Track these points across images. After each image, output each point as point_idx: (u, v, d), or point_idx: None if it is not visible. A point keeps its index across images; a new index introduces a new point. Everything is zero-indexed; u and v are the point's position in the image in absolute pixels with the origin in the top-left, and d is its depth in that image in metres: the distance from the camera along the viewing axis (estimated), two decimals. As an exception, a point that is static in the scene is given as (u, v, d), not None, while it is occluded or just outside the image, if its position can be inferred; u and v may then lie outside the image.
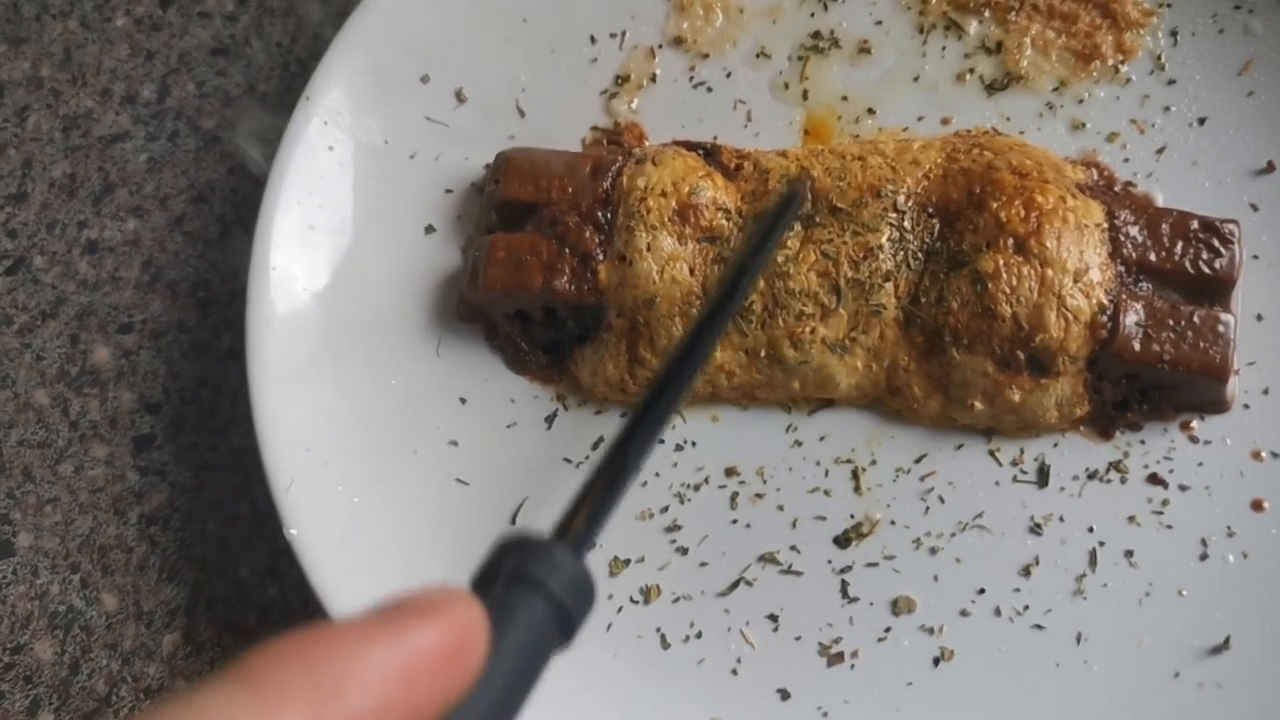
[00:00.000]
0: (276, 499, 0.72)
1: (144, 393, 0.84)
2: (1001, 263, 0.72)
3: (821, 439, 0.75)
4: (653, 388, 0.62)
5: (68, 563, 0.80)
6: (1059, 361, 0.71)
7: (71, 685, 0.77)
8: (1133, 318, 0.71)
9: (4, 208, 0.89)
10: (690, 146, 0.80)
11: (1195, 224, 0.73)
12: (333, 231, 0.80)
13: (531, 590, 0.45)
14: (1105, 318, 0.71)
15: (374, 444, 0.76)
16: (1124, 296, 0.71)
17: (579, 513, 0.55)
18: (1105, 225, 0.73)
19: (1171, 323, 0.71)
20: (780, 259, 0.74)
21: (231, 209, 0.88)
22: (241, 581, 0.79)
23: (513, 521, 0.75)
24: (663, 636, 0.72)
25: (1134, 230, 0.73)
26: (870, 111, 0.82)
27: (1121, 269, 0.73)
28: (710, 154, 0.79)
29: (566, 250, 0.76)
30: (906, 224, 0.75)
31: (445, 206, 0.82)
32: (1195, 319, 0.71)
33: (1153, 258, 0.73)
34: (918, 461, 0.74)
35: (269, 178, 0.79)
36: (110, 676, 0.77)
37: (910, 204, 0.75)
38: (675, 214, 0.75)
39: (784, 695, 0.70)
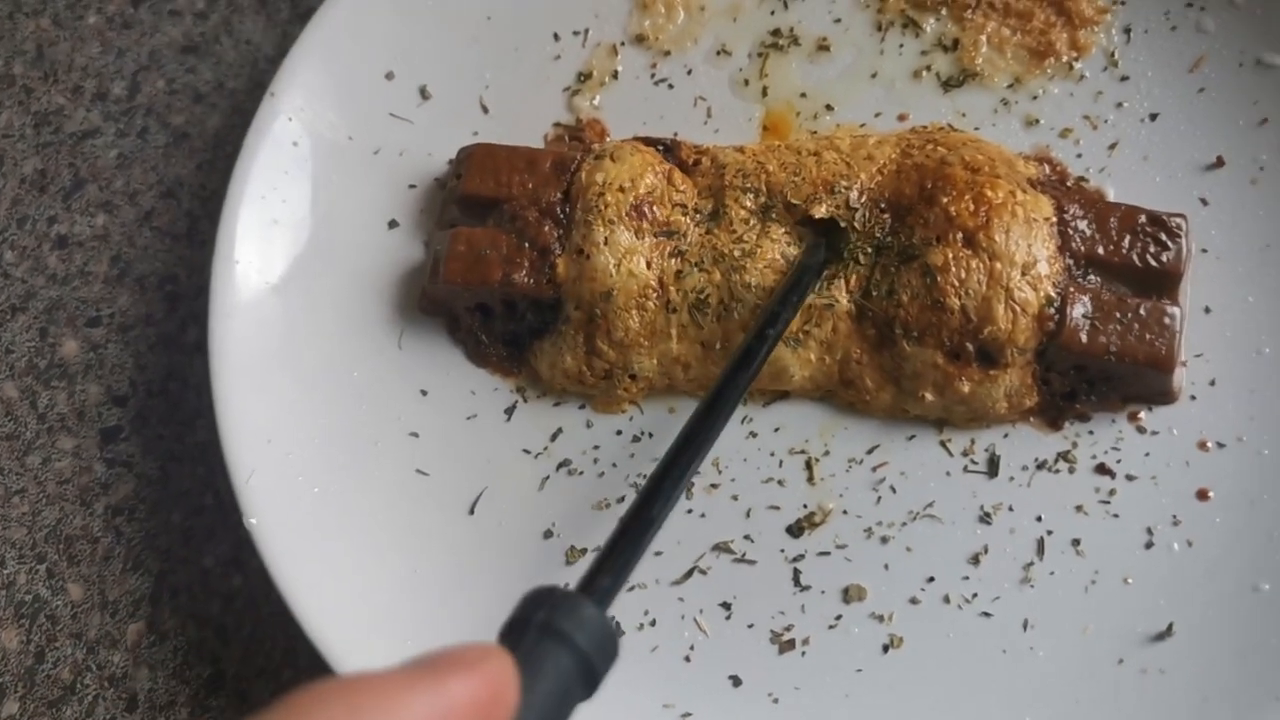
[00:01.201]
0: (237, 489, 0.73)
1: (111, 385, 0.85)
2: (950, 256, 0.73)
3: (776, 430, 0.76)
4: (677, 442, 0.65)
5: (34, 553, 0.81)
6: (1007, 353, 0.72)
7: (37, 674, 0.78)
8: (1080, 310, 0.72)
9: (-25, 203, 0.90)
10: (650, 142, 0.81)
11: (1143, 218, 0.74)
12: (296, 226, 0.81)
13: (559, 644, 0.48)
14: (1053, 310, 0.72)
15: (335, 435, 0.77)
16: (1072, 289, 0.73)
17: (604, 567, 0.57)
18: (1054, 219, 0.74)
19: (1118, 314, 0.72)
20: (737, 253, 0.75)
21: (200, 204, 0.89)
22: (206, 571, 0.80)
23: (471, 512, 0.76)
24: (617, 624, 0.73)
25: (1083, 224, 0.74)
26: (828, 108, 0.83)
27: (1070, 262, 0.74)
28: (669, 149, 0.80)
29: (526, 244, 0.77)
30: (858, 220, 0.76)
31: (408, 201, 0.83)
32: (1141, 311, 0.72)
33: (1101, 251, 0.74)
34: (870, 452, 0.75)
35: (232, 173, 0.80)
36: (75, 665, 0.78)
37: (863, 199, 0.76)
38: (632, 209, 0.76)
39: (735, 682, 0.71)
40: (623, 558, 0.58)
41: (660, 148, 0.80)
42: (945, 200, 0.74)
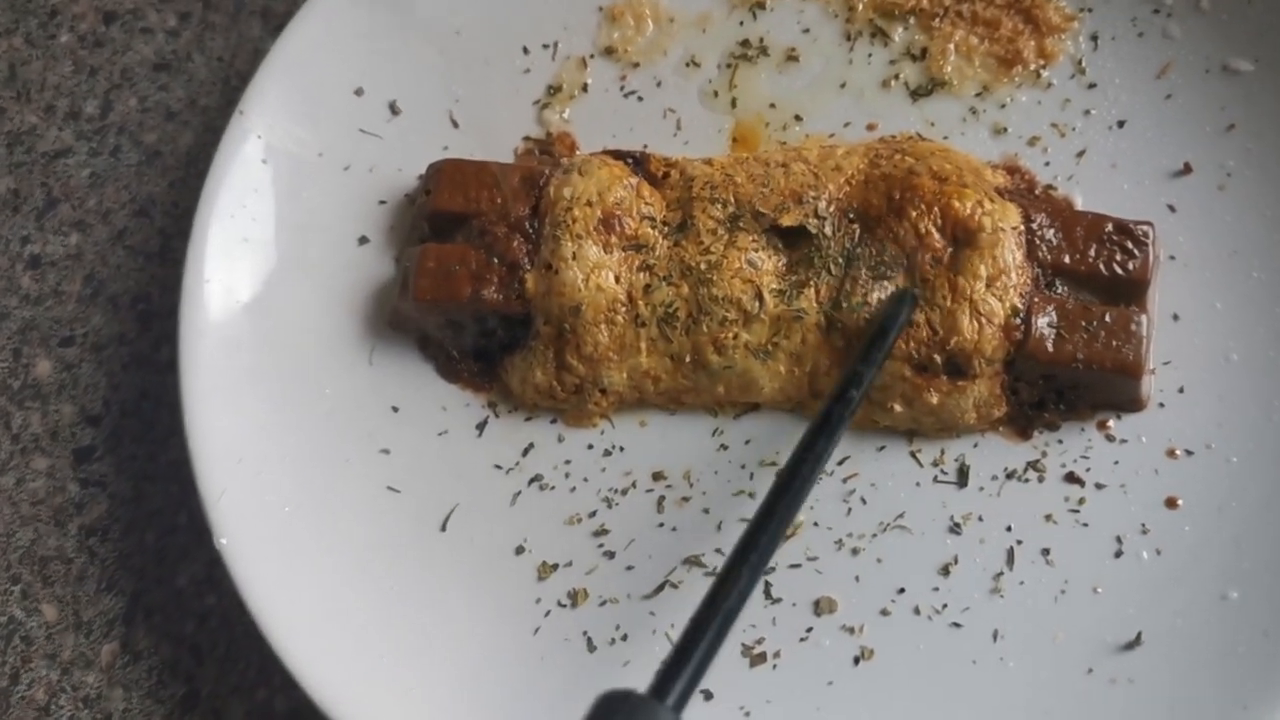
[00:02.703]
0: (207, 509, 0.73)
1: (85, 405, 0.85)
2: (919, 269, 0.73)
3: (747, 442, 0.76)
4: (756, 520, 0.64)
5: (9, 574, 0.81)
6: (975, 364, 0.72)
7: (12, 695, 0.78)
8: (1046, 319, 0.72)
9: (-52, 224, 0.90)
10: (619, 155, 0.81)
11: (1110, 226, 0.74)
12: (267, 244, 0.81)
13: None
14: (1019, 320, 0.72)
15: (306, 453, 0.77)
16: (1038, 299, 0.73)
17: (679, 665, 0.58)
18: (1022, 229, 0.74)
19: (1084, 323, 0.72)
20: (703, 265, 0.75)
21: (173, 222, 0.89)
22: (179, 591, 0.80)
23: (443, 529, 0.76)
24: (589, 639, 0.73)
25: (1050, 233, 0.74)
26: (797, 118, 0.83)
27: (1037, 271, 0.74)
28: (639, 162, 0.80)
29: (495, 260, 0.77)
30: (828, 229, 0.76)
31: (379, 218, 0.83)
32: (1108, 319, 0.72)
33: (1067, 260, 0.74)
34: (840, 463, 0.75)
35: (202, 191, 0.80)
36: (50, 686, 0.78)
37: (831, 209, 0.76)
38: (600, 223, 0.76)
39: (707, 696, 0.71)
40: (698, 654, 0.58)
41: (629, 161, 0.80)
42: (914, 214, 0.74)
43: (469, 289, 0.77)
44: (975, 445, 0.75)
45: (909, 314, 0.73)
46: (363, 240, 0.82)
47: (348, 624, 0.72)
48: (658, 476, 0.76)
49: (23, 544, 0.82)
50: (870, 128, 0.83)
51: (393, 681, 0.71)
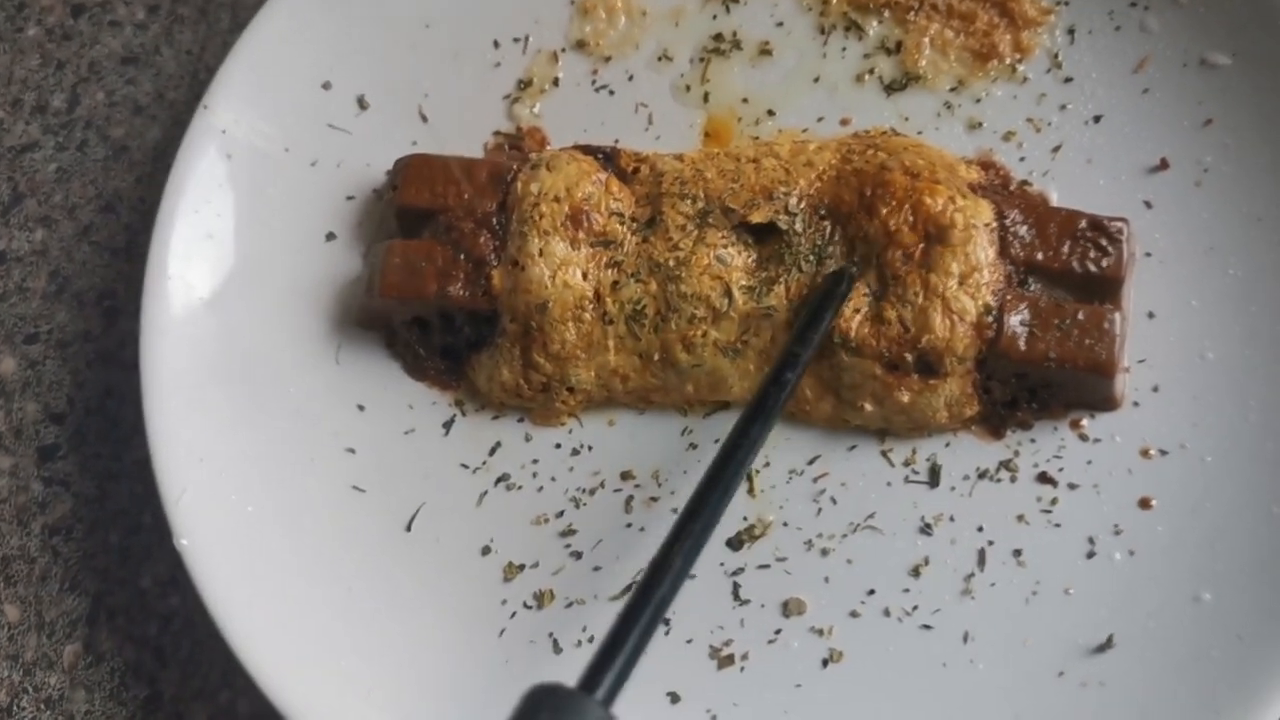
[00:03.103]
0: (167, 509, 0.73)
1: (49, 403, 0.84)
2: (890, 267, 0.72)
3: (716, 441, 0.74)
4: (685, 512, 0.63)
5: (-29, 575, 0.80)
6: (946, 362, 0.71)
7: (-27, 697, 0.77)
8: (1018, 317, 0.71)
9: (-88, 219, 0.89)
10: (589, 150, 0.79)
11: (1084, 223, 0.73)
12: (231, 240, 0.80)
13: None
14: (991, 318, 0.71)
15: (270, 452, 0.76)
16: (1010, 296, 0.72)
17: (608, 659, 0.57)
18: (994, 225, 0.73)
19: (1057, 321, 0.71)
20: (672, 262, 0.74)
21: (139, 218, 0.88)
22: (143, 592, 0.79)
23: (408, 529, 0.75)
24: (555, 641, 0.72)
25: (1023, 230, 0.73)
26: (770, 113, 0.82)
27: (1010, 268, 0.73)
28: (609, 158, 0.79)
29: (461, 256, 0.76)
30: (798, 226, 0.75)
31: (347, 213, 0.82)
32: (1080, 316, 0.71)
33: (1040, 257, 0.73)
34: (811, 463, 0.74)
35: (166, 186, 0.79)
36: (11, 687, 0.77)
37: (802, 205, 0.75)
38: (568, 219, 0.75)
39: (674, 699, 0.70)
40: (629, 646, 0.57)
41: (599, 156, 0.79)
42: (884, 211, 0.73)
43: (435, 286, 0.76)
44: (947, 445, 0.74)
45: (846, 292, 0.72)
46: (330, 236, 0.81)
47: (310, 626, 0.72)
48: (626, 476, 0.75)
49: (-15, 544, 0.81)
50: (844, 122, 0.81)
51: (355, 684, 0.70)
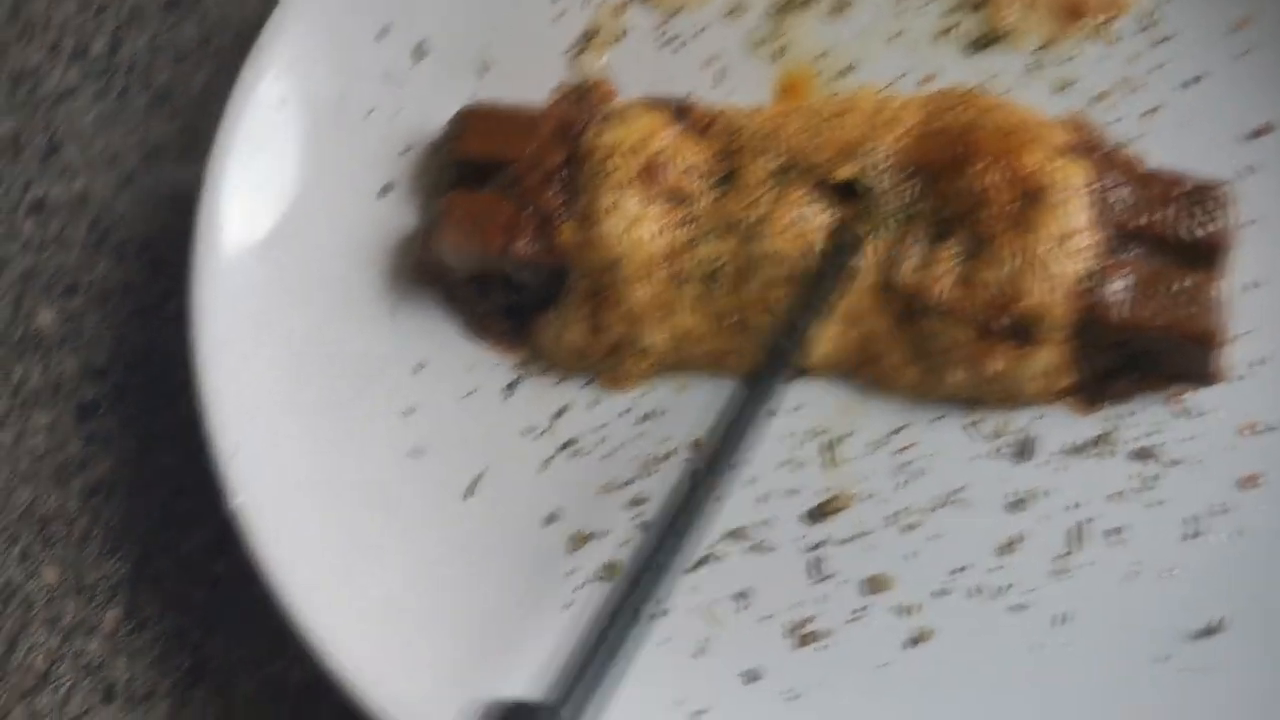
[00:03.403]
0: (221, 466, 0.69)
1: (88, 358, 0.80)
2: (984, 227, 0.69)
3: (795, 408, 0.72)
4: (669, 507, 0.59)
5: (6, 534, 0.76)
6: (1042, 329, 0.68)
7: (9, 662, 0.74)
8: (1119, 284, 0.68)
9: (-54, 166, 0.86)
10: (661, 104, 0.76)
11: (1186, 187, 0.70)
12: (284, 191, 0.76)
13: None
14: (1090, 284, 0.67)
15: (324, 410, 0.72)
16: (1109, 262, 0.68)
17: (582, 669, 0.53)
18: (1091, 189, 0.69)
19: (1159, 288, 0.68)
20: (751, 220, 0.71)
21: (183, 168, 0.84)
22: (187, 556, 0.75)
23: (468, 494, 0.71)
24: (625, 615, 0.68)
25: (1122, 194, 0.70)
26: (849, 69, 0.78)
27: (1109, 233, 0.69)
28: (681, 112, 0.76)
29: (527, 211, 0.73)
30: (884, 184, 0.71)
31: (403, 166, 0.78)
32: (1184, 284, 0.68)
33: (1141, 222, 0.69)
34: (895, 433, 0.71)
35: (217, 132, 0.75)
36: (50, 653, 0.74)
37: (888, 164, 0.71)
38: (641, 173, 0.72)
39: (751, 677, 0.67)
40: (602, 655, 0.53)
41: (671, 110, 0.75)
42: (977, 168, 0.69)
43: (500, 241, 0.72)
44: (1040, 417, 0.70)
45: (850, 257, 0.69)
46: (385, 190, 0.78)
47: (367, 591, 0.68)
48: (699, 444, 0.72)
49: (22, 503, 0.77)
50: (926, 80, 0.78)
51: (414, 652, 0.67)
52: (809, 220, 0.71)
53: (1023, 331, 0.68)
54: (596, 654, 0.54)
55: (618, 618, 0.55)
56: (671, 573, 0.58)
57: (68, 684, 0.73)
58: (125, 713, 0.72)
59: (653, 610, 0.57)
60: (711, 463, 0.62)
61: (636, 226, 0.71)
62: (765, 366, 0.65)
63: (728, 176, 0.72)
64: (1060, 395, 0.70)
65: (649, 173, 0.72)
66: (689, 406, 0.73)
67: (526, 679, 0.66)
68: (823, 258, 0.69)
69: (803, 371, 0.72)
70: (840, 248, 0.69)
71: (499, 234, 0.72)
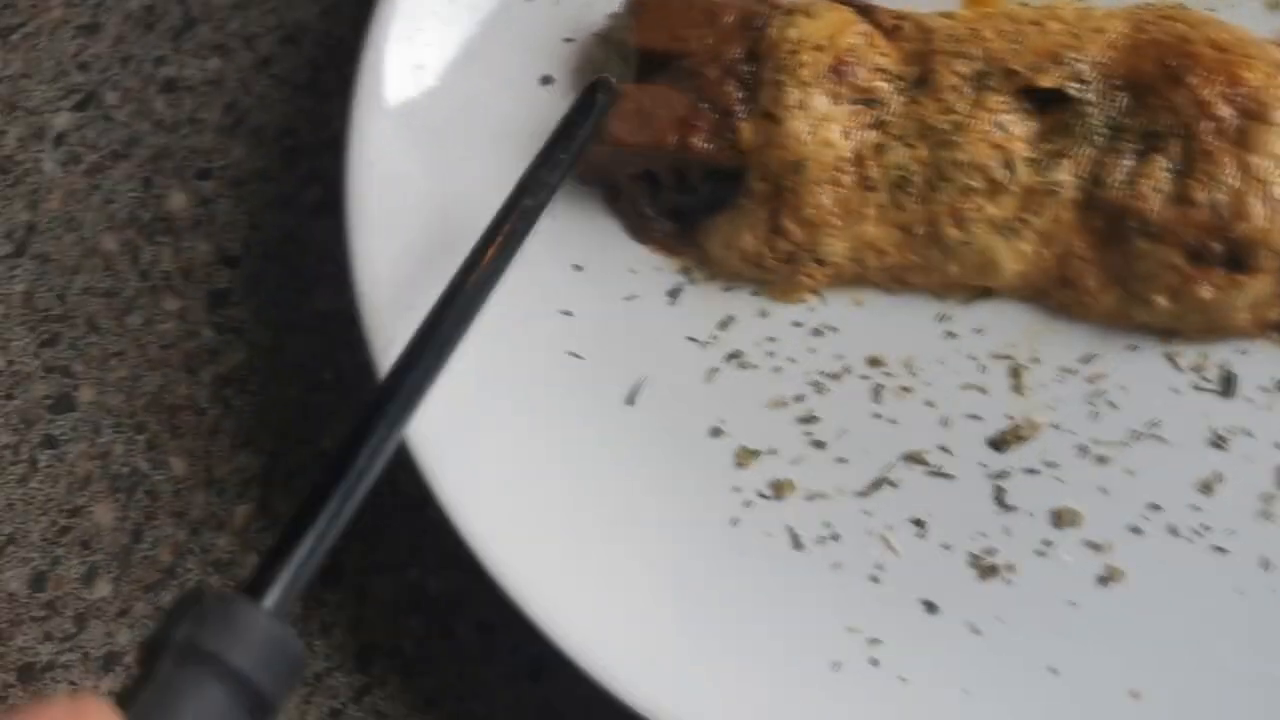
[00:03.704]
0: (375, 361, 0.65)
1: (221, 244, 0.76)
2: (1200, 145, 0.64)
3: (978, 331, 0.68)
4: (401, 357, 0.53)
5: (133, 422, 0.73)
6: (1260, 256, 0.63)
7: (133, 554, 0.71)
8: (1348, 210, 0.63)
9: (76, 39, 0.82)
10: (842, 2, 0.71)
11: None
12: (441, 74, 0.72)
13: (205, 670, 0.38)
14: (1316, 209, 0.63)
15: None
16: (1339, 186, 0.63)
17: (281, 554, 0.44)
18: (1317, 109, 0.65)
19: (1391, 217, 0.63)
20: (945, 126, 0.66)
21: (324, 53, 0.80)
22: (323, 453, 0.72)
23: (630, 402, 0.67)
24: (795, 536, 0.64)
25: (1347, 117, 0.65)
26: (1043, -24, 0.73)
27: (1332, 158, 0.64)
28: (865, 11, 0.71)
29: (705, 106, 0.68)
30: (1091, 95, 0.66)
31: (564, 56, 0.74)
32: None
33: (1370, 146, 0.64)
34: (1086, 361, 0.66)
35: (375, 8, 0.71)
36: (176, 546, 0.71)
37: (1094, 74, 0.67)
38: (830, 70, 0.67)
39: (930, 608, 0.63)
40: (310, 538, 0.45)
41: (855, 8, 0.71)
42: (1193, 81, 0.65)
43: (675, 136, 0.68)
44: (1243, 351, 0.66)
45: (605, 106, 0.65)
46: (546, 80, 0.73)
47: (524, 496, 0.64)
48: (874, 362, 0.67)
49: (149, 389, 0.74)
50: (1126, -8, 0.73)
51: (575, 565, 0.63)
52: (1007, 129, 0.66)
53: (1238, 258, 0.63)
54: (306, 538, 0.45)
55: (329, 501, 0.47)
56: (397, 434, 0.50)
57: (195, 579, 0.70)
58: (256, 611, 0.68)
59: (372, 478, 0.49)
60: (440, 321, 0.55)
61: (824, 127, 0.66)
62: (510, 224, 0.59)
63: (920, 80, 0.68)
64: (1269, 329, 0.66)
65: (838, 71, 0.67)
66: (865, 322, 0.68)
67: (696, 591, 0.63)
68: (573, 107, 0.66)
69: (987, 291, 0.68)
70: (590, 95, 0.66)
71: (674, 129, 0.68)
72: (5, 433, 0.73)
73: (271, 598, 0.43)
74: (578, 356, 0.68)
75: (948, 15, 0.71)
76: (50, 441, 0.73)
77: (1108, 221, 0.65)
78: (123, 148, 0.79)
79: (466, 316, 0.56)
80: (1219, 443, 0.64)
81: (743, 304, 0.69)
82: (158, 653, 0.38)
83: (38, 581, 0.70)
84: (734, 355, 0.68)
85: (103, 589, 0.70)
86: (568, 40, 0.74)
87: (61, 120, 0.80)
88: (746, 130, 0.67)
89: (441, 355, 0.55)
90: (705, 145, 0.68)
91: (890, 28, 0.70)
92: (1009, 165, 0.66)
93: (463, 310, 0.56)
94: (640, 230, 0.71)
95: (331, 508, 0.47)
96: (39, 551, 0.71)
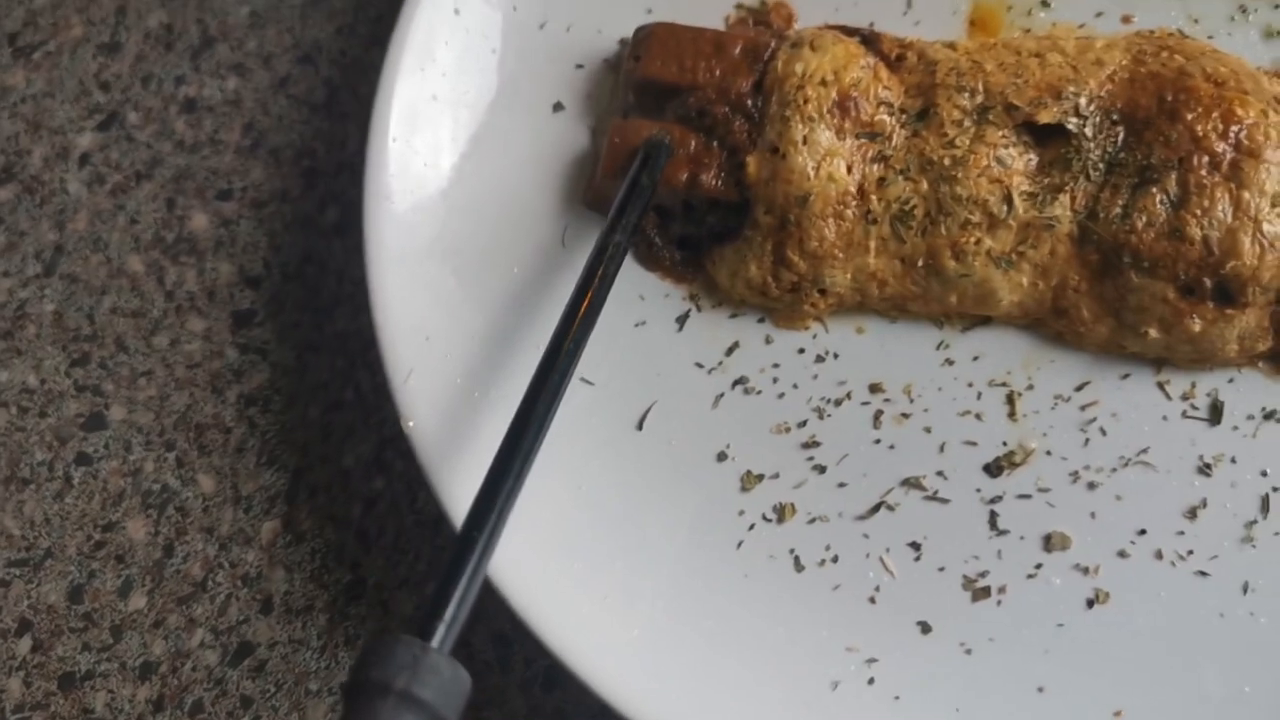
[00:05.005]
0: (394, 389, 0.68)
1: (244, 265, 0.79)
2: (1194, 181, 0.66)
3: (975, 359, 0.70)
4: (513, 427, 0.59)
5: (162, 440, 0.76)
6: (1249, 292, 0.65)
7: (166, 568, 0.74)
8: (1336, 248, 0.65)
9: (97, 57, 0.84)
10: (848, 32, 0.73)
11: None
12: (455, 104, 0.74)
13: (416, 713, 0.47)
14: (1305, 246, 0.65)
15: (495, 335, 0.71)
16: (1328, 224, 0.65)
17: (443, 602, 0.52)
18: (1310, 145, 0.66)
19: (1378, 256, 0.65)
20: (946, 161, 0.68)
21: (340, 73, 0.82)
22: (345, 471, 0.75)
23: (639, 427, 0.70)
24: (796, 558, 0.67)
25: (1339, 152, 0.67)
26: (1044, 4, 0.75)
27: (1322, 195, 0.66)
28: (869, 41, 0.73)
29: (714, 142, 0.70)
30: (1088, 130, 0.68)
31: (576, 83, 0.76)
32: (1406, 253, 0.65)
33: (1359, 184, 0.66)
34: (1079, 389, 0.69)
35: (390, 40, 0.73)
36: (206, 561, 0.74)
37: (1093, 108, 0.68)
38: (835, 105, 0.69)
39: (924, 628, 0.66)
40: (463, 586, 0.53)
41: (859, 38, 0.72)
42: (1190, 117, 0.66)
43: (685, 172, 0.70)
44: (1231, 380, 0.68)
45: (663, 161, 0.69)
46: (557, 107, 0.75)
47: (539, 521, 0.67)
48: (875, 389, 0.70)
49: (177, 408, 0.76)
50: (1125, 20, 0.74)
51: (585, 584, 0.66)
52: (1006, 163, 0.68)
53: (1228, 293, 0.66)
54: (457, 590, 0.53)
55: (471, 548, 0.54)
56: (518, 488, 0.57)
57: (225, 593, 0.73)
58: (283, 624, 0.72)
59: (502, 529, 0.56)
60: (545, 378, 0.61)
61: (828, 161, 0.68)
62: (591, 294, 0.64)
63: (923, 113, 0.69)
64: (1255, 360, 0.68)
65: (843, 105, 0.69)
66: (866, 349, 0.71)
67: (702, 614, 0.66)
68: (636, 167, 0.68)
69: (985, 320, 0.70)
70: (651, 153, 0.69)
71: (684, 166, 0.70)
72: (41, 449, 0.76)
73: (438, 637, 0.50)
74: (588, 382, 0.71)
75: (950, 45, 0.72)
76: (84, 459, 0.76)
77: (1102, 255, 0.67)
78: (145, 168, 0.81)
79: (568, 369, 0.62)
80: (1205, 469, 0.67)
81: (748, 330, 0.72)
82: (358, 694, 0.46)
83: (75, 594, 0.73)
84: (740, 381, 0.71)
85: (137, 601, 0.73)
86: (579, 67, 0.76)
87: (85, 140, 0.82)
88: (753, 165, 0.69)
89: (558, 391, 0.61)
90: (714, 182, 0.70)
91: (894, 58, 0.72)
92: (1008, 200, 0.68)
93: (566, 365, 0.62)
94: (649, 258, 0.73)
95: (478, 552, 0.54)
96: (76, 565, 0.74)
